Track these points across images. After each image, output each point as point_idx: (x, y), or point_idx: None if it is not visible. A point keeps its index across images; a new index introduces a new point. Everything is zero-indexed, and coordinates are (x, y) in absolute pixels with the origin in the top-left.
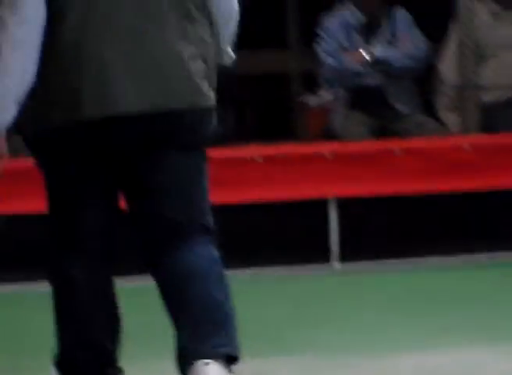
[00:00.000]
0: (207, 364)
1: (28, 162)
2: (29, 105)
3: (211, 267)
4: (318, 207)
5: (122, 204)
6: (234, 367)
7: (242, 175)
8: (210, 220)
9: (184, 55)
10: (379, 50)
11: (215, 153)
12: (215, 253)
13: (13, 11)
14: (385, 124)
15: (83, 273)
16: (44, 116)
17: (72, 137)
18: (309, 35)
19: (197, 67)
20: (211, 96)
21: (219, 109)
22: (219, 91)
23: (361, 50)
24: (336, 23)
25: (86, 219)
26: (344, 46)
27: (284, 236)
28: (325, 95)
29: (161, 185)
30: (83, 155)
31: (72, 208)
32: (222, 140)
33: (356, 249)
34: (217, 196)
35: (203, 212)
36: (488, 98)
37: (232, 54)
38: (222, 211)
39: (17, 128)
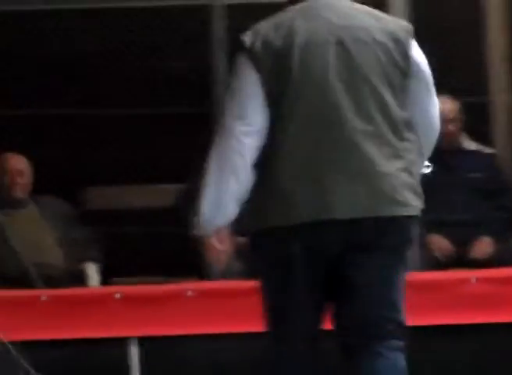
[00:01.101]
0: None
1: None
2: (248, 206)
3: None
4: None
5: None
6: None
7: None
8: (403, 318)
9: (392, 168)
10: None
11: None
12: (403, 363)
13: (240, 120)
14: None
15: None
16: (262, 218)
17: (285, 238)
18: None
19: (404, 180)
20: (414, 205)
21: None
22: None
23: None
24: None
25: (299, 323)
26: None
27: None
28: None
29: (357, 286)
30: (294, 255)
31: (283, 310)
32: None
33: None
34: None
35: (396, 309)
36: None
37: (427, 163)
38: None
39: (238, 229)
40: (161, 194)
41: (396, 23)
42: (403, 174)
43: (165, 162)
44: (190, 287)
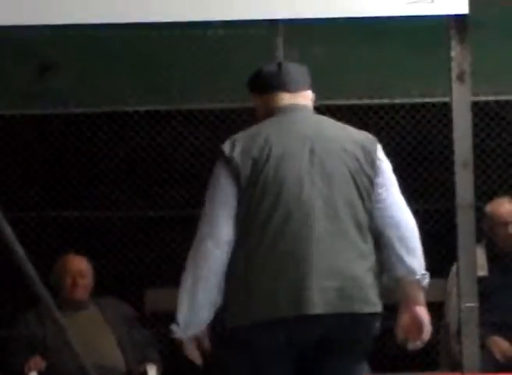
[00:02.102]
0: None
1: None
2: (230, 303)
3: None
4: None
5: None
6: None
7: None
8: None
9: (359, 268)
10: None
11: None
12: None
13: (211, 234)
14: None
15: None
16: (244, 314)
17: (265, 332)
18: None
19: (369, 279)
20: (378, 303)
21: None
22: None
23: None
24: None
25: None
26: None
27: None
28: None
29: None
30: (272, 347)
31: None
32: None
33: None
34: None
35: None
36: None
37: (418, 268)
38: None
39: (215, 325)
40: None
41: (362, 134)
42: (368, 274)
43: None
44: None
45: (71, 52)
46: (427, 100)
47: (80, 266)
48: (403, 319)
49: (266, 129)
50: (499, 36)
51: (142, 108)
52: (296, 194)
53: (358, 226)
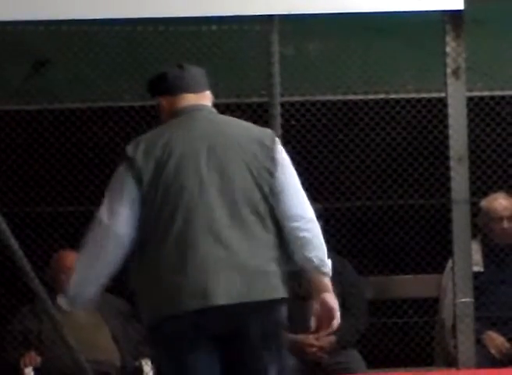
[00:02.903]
0: None
1: None
2: (144, 299)
3: None
4: None
5: None
6: None
7: None
8: None
9: (262, 258)
10: None
11: None
12: None
13: (111, 217)
14: None
15: None
16: (156, 312)
17: (177, 326)
18: None
19: (272, 268)
20: (283, 290)
21: None
22: None
23: None
24: None
25: None
26: None
27: None
28: None
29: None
30: (188, 340)
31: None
32: None
33: None
34: None
35: None
36: None
37: (317, 257)
38: None
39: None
40: None
41: (262, 131)
42: (271, 262)
43: None
44: None
45: (66, 48)
46: (422, 95)
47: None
48: (314, 308)
49: (169, 129)
50: (494, 31)
51: (137, 104)
52: (196, 192)
53: (258, 217)
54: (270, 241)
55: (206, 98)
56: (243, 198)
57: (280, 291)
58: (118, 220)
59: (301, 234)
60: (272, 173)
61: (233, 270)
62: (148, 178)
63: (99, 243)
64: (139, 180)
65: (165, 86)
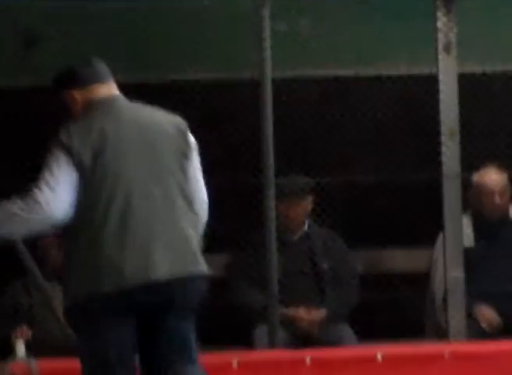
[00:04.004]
0: None
1: None
2: (81, 275)
3: None
4: None
5: None
6: None
7: None
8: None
9: (191, 237)
10: None
11: None
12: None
13: (47, 190)
14: None
15: None
16: (95, 284)
17: (117, 299)
18: None
19: (197, 243)
20: (206, 267)
21: None
22: None
23: None
24: None
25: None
26: None
27: None
28: None
29: (165, 337)
30: (122, 311)
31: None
32: None
33: None
34: None
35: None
36: None
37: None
38: None
39: (68, 297)
40: (210, 265)
41: (176, 117)
42: (197, 242)
43: (215, 232)
44: (235, 357)
45: (59, 25)
46: (414, 71)
47: None
48: None
49: (97, 118)
50: (486, 6)
51: (131, 81)
52: (133, 176)
53: (185, 199)
54: (194, 221)
55: (115, 88)
56: (173, 181)
57: (205, 268)
58: (54, 204)
59: (203, 218)
60: (188, 158)
61: (170, 248)
62: (86, 164)
63: (30, 216)
64: (77, 166)
65: (77, 79)
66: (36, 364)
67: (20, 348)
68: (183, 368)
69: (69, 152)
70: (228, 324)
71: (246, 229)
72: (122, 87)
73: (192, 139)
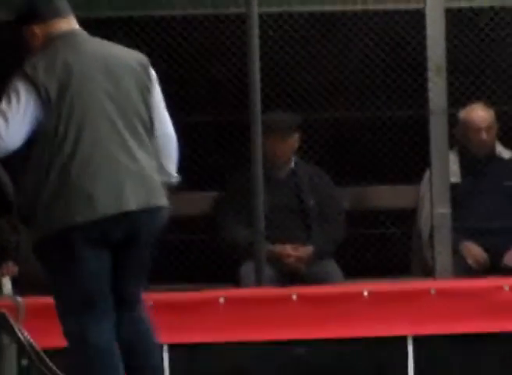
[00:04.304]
0: None
1: None
2: (53, 206)
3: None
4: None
5: None
6: None
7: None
8: None
9: (153, 169)
10: None
11: None
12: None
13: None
14: None
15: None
16: (69, 215)
17: (91, 229)
18: None
19: (158, 178)
20: (166, 199)
21: None
22: None
23: None
24: None
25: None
26: None
27: None
28: None
29: (128, 266)
30: (96, 242)
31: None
32: None
33: None
34: None
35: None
36: None
37: (175, 174)
38: None
39: (39, 230)
40: (197, 202)
41: (137, 52)
42: (157, 173)
43: (202, 169)
44: (222, 294)
45: None
46: (400, 6)
47: None
48: None
49: (61, 53)
50: None
51: (116, 15)
52: (100, 109)
53: (147, 132)
54: (154, 153)
55: (75, 22)
56: (137, 115)
57: (165, 200)
58: (6, 134)
59: (167, 152)
60: (150, 92)
61: (137, 181)
62: (53, 96)
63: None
64: (43, 98)
65: (38, 13)
66: (22, 301)
67: (7, 285)
68: (137, 291)
69: (34, 84)
70: (215, 261)
71: (233, 166)
72: (106, 21)
73: (153, 73)
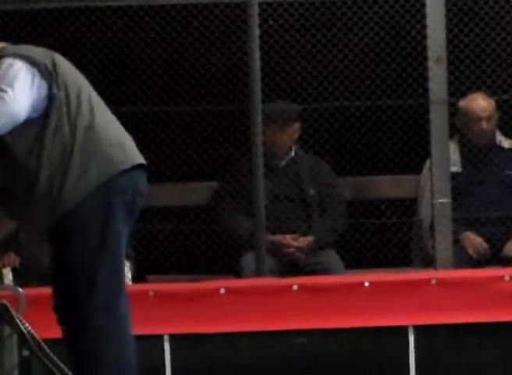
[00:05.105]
0: None
1: None
2: (88, 166)
3: None
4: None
5: None
6: None
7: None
8: None
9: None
10: None
11: None
12: None
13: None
14: None
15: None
16: (111, 165)
17: (125, 188)
18: None
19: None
20: None
21: None
22: None
23: None
24: None
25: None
26: None
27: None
28: None
29: None
30: (129, 211)
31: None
32: None
33: None
34: None
35: None
36: None
37: None
38: None
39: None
40: (197, 192)
41: None
42: None
43: (202, 159)
44: (222, 284)
45: None
46: None
47: None
48: None
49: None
50: None
51: (114, 4)
52: (82, 81)
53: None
54: None
55: None
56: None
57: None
58: (17, 100)
59: None
60: None
61: (130, 141)
62: (51, 70)
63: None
64: (42, 72)
65: None
66: (23, 292)
67: (8, 276)
68: None
69: (31, 60)
70: (215, 252)
71: (233, 156)
72: (105, 10)
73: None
